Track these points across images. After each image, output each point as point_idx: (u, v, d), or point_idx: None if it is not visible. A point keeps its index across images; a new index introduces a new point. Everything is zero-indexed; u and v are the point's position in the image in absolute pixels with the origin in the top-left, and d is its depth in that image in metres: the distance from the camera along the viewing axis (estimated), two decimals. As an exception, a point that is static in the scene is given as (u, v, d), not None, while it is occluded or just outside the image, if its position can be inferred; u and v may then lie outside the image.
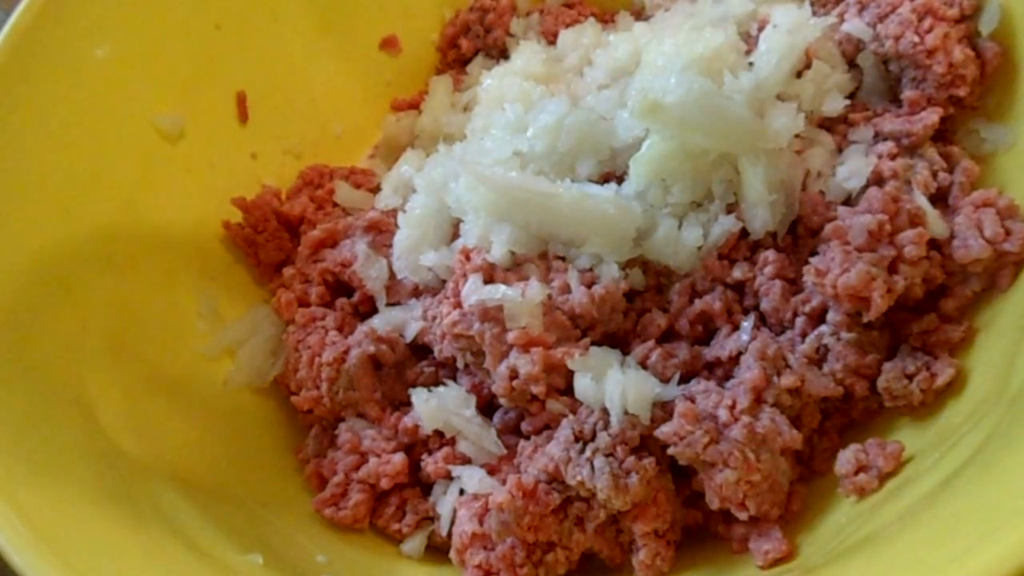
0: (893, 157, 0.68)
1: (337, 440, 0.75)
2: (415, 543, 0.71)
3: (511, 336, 0.67)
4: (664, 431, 0.63)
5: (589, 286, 0.68)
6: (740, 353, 0.67)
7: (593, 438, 0.64)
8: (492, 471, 0.69)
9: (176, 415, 0.74)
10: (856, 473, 0.62)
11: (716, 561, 0.65)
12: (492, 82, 0.83)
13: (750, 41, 0.73)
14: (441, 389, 0.72)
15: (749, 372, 0.64)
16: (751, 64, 0.71)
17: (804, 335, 0.66)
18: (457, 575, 0.67)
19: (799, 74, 0.71)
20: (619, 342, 0.70)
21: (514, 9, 0.97)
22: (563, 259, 0.70)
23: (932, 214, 0.65)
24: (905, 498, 0.58)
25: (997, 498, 0.51)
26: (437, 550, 0.71)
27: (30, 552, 0.55)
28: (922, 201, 0.65)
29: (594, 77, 0.79)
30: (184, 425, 0.74)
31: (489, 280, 0.69)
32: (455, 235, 0.75)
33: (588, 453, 0.63)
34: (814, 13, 0.73)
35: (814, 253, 0.67)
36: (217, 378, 0.79)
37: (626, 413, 0.64)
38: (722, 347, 0.67)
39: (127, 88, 0.78)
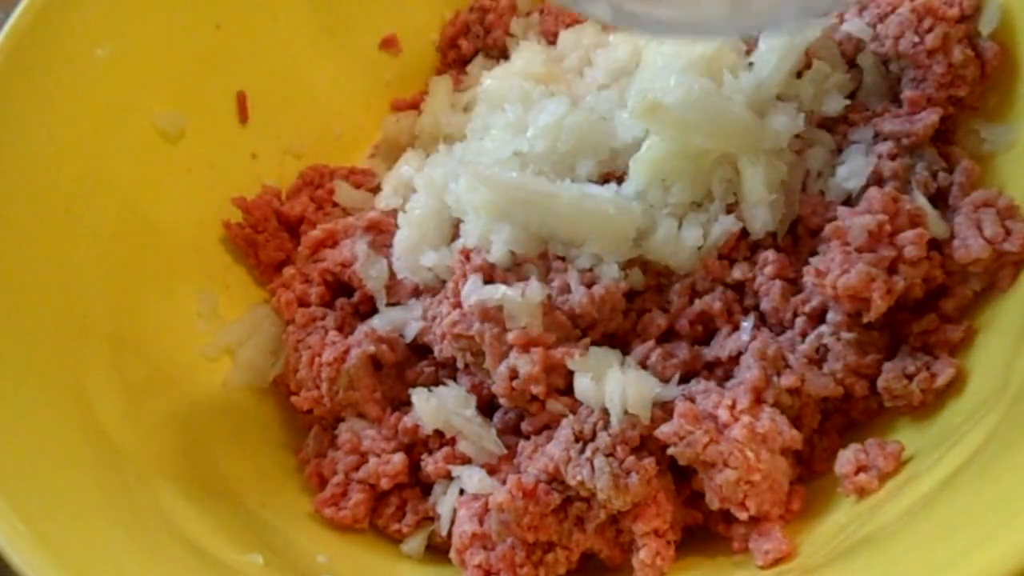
0: (893, 157, 0.68)
1: (337, 440, 0.75)
2: (415, 543, 0.72)
3: (511, 336, 0.67)
4: (664, 431, 0.63)
5: (589, 286, 0.68)
6: (740, 353, 0.67)
7: (593, 438, 0.64)
8: (492, 471, 0.69)
9: (176, 415, 0.74)
10: (856, 473, 0.62)
11: (716, 561, 0.65)
12: (492, 82, 0.83)
13: (750, 41, 0.73)
14: (441, 389, 0.72)
15: (749, 372, 0.64)
16: (751, 64, 0.71)
17: (804, 335, 0.66)
18: (457, 575, 0.67)
19: (799, 74, 0.71)
20: (619, 342, 0.70)
21: (514, 9, 0.97)
22: (563, 259, 0.70)
23: (932, 214, 0.65)
24: (905, 498, 0.58)
25: (997, 498, 0.51)
26: (437, 550, 0.71)
27: (30, 552, 0.55)
28: (922, 201, 0.65)
29: (594, 77, 0.79)
30: (184, 425, 0.74)
31: (489, 280, 0.69)
32: (455, 235, 0.75)
33: (588, 453, 0.64)
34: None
35: (814, 253, 0.67)
36: (217, 378, 0.79)
37: (626, 413, 0.64)
38: (722, 347, 0.67)
39: (127, 88, 0.78)
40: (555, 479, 0.65)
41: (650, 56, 0.72)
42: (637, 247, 0.69)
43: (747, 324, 0.68)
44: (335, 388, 0.75)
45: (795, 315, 0.67)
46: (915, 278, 0.63)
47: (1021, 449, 0.52)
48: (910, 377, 0.64)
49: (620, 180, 0.71)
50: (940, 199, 0.68)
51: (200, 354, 0.79)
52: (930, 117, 0.68)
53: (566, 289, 0.68)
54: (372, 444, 0.73)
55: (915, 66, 0.70)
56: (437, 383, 0.73)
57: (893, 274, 0.63)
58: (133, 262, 0.77)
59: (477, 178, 0.70)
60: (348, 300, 0.81)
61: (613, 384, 0.64)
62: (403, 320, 0.76)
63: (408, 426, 0.72)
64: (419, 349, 0.76)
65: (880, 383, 0.65)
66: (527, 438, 0.69)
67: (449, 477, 0.70)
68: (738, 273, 0.69)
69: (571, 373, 0.67)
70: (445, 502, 0.70)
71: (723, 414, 0.63)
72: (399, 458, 0.72)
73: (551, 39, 0.91)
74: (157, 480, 0.67)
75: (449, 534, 0.69)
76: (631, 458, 0.63)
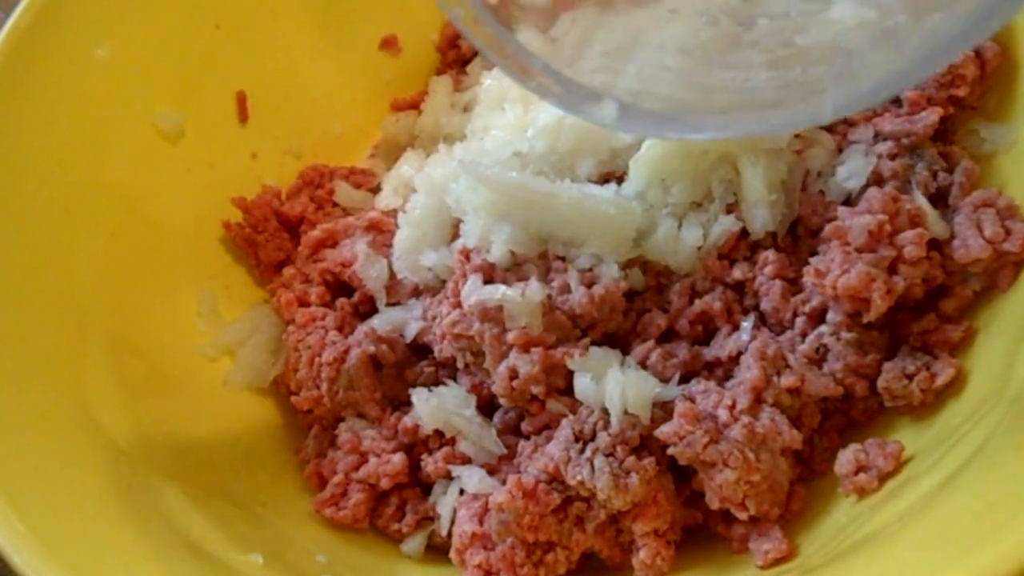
0: (893, 157, 0.68)
1: (337, 440, 0.75)
2: (415, 543, 0.72)
3: (511, 336, 0.67)
4: (664, 431, 0.63)
5: (589, 286, 0.68)
6: (740, 353, 0.66)
7: (593, 438, 0.65)
8: (492, 471, 0.69)
9: (176, 415, 0.74)
10: (856, 473, 0.62)
11: (716, 561, 0.65)
12: (492, 82, 0.83)
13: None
14: (441, 389, 0.72)
15: (749, 372, 0.64)
16: (751, 64, 0.71)
17: (804, 335, 0.66)
18: (457, 575, 0.67)
19: (799, 74, 0.71)
20: (619, 342, 0.70)
21: (514, 9, 0.97)
22: (563, 259, 0.70)
23: (932, 214, 0.65)
24: (905, 498, 0.58)
25: (997, 498, 0.51)
26: (437, 550, 0.71)
27: (30, 552, 0.55)
28: (922, 201, 0.65)
29: (594, 77, 0.79)
30: (184, 425, 0.74)
31: (489, 280, 0.69)
32: (455, 235, 0.75)
33: (588, 453, 0.64)
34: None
35: (814, 253, 0.67)
36: (217, 378, 0.79)
37: (626, 413, 0.64)
38: (722, 347, 0.67)
39: (127, 88, 0.78)
40: (555, 479, 0.65)
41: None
42: (637, 247, 0.69)
43: (747, 324, 0.68)
44: (335, 388, 0.75)
45: (795, 315, 0.67)
46: (915, 278, 0.63)
47: (1021, 449, 0.52)
48: (910, 377, 0.64)
49: (620, 180, 0.71)
50: (940, 199, 0.68)
51: (200, 354, 0.79)
52: (930, 117, 0.68)
53: (566, 289, 0.68)
54: (372, 444, 0.73)
55: (915, 66, 0.70)
56: (437, 383, 0.73)
57: (893, 274, 0.63)
58: (133, 262, 0.77)
59: (477, 178, 0.70)
60: (348, 300, 0.81)
61: (613, 384, 0.64)
62: (403, 320, 0.76)
63: (408, 426, 0.72)
64: (419, 349, 0.76)
65: (880, 383, 0.65)
66: (527, 438, 0.69)
67: (449, 477, 0.70)
68: (738, 273, 0.69)
69: (571, 373, 0.67)
70: (445, 502, 0.70)
71: (723, 414, 0.63)
72: (399, 458, 0.72)
73: (551, 39, 0.91)
74: (157, 480, 0.67)
75: (449, 534, 0.69)
76: (631, 458, 0.63)
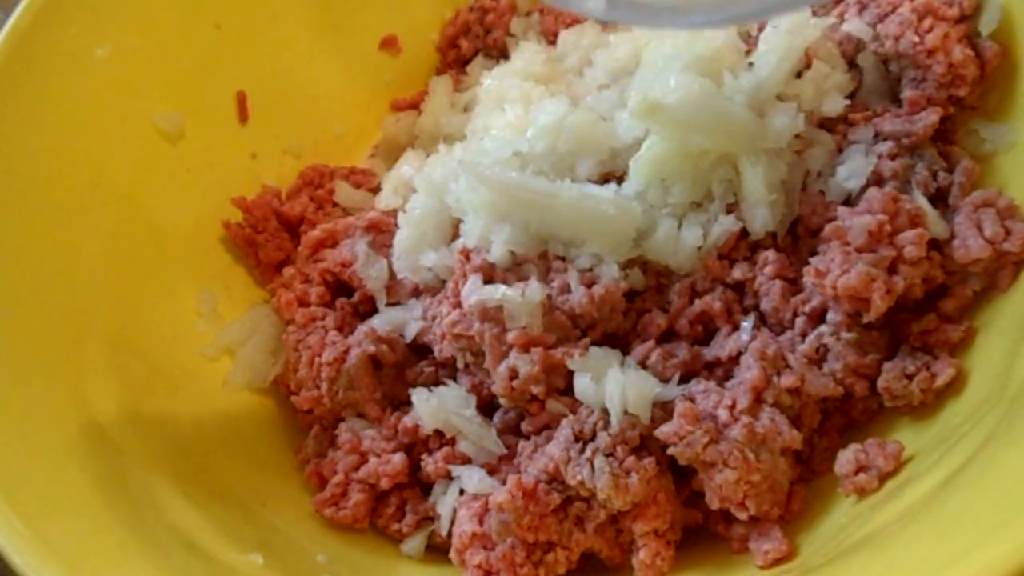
0: (893, 157, 0.68)
1: (337, 440, 0.75)
2: (415, 543, 0.72)
3: (511, 336, 0.67)
4: (664, 431, 0.63)
5: (589, 286, 0.68)
6: (740, 353, 0.67)
7: (593, 438, 0.65)
8: (492, 471, 0.69)
9: (176, 415, 0.74)
10: (856, 473, 0.62)
11: (716, 561, 0.65)
12: (492, 82, 0.83)
13: (750, 41, 0.73)
14: (441, 389, 0.72)
15: (749, 372, 0.64)
16: (751, 64, 0.71)
17: (804, 335, 0.66)
18: (457, 575, 0.67)
19: (799, 74, 0.71)
20: (619, 342, 0.70)
21: (514, 9, 0.97)
22: (563, 259, 0.70)
23: (932, 214, 0.65)
24: (905, 498, 0.58)
25: (997, 498, 0.51)
26: (437, 550, 0.71)
27: (30, 552, 0.55)
28: (922, 201, 0.65)
29: (594, 77, 0.79)
30: (184, 425, 0.74)
31: (489, 280, 0.69)
32: (455, 235, 0.75)
33: (588, 453, 0.64)
34: (814, 13, 0.73)
35: (814, 253, 0.67)
36: (217, 378, 0.79)
37: (626, 413, 0.64)
38: (722, 347, 0.67)
39: (127, 88, 0.79)
40: (555, 479, 0.65)
41: (650, 56, 0.72)
42: (637, 247, 0.69)
43: (747, 324, 0.68)
44: (335, 388, 0.75)
45: (795, 315, 0.67)
46: (915, 278, 0.63)
47: (1021, 449, 0.52)
48: (910, 377, 0.64)
49: (620, 180, 0.71)
50: (940, 199, 0.68)
51: (200, 354, 0.79)
52: (930, 117, 0.68)
53: (566, 289, 0.68)
54: (372, 444, 0.73)
55: (915, 66, 0.70)
56: (437, 383, 0.73)
57: (893, 274, 0.63)
58: (133, 262, 0.77)
59: (477, 178, 0.70)
60: (348, 300, 0.81)
61: (613, 384, 0.65)
62: (403, 320, 0.76)
63: (408, 426, 0.72)
64: (419, 349, 0.76)
65: (880, 383, 0.65)
66: (527, 438, 0.69)
67: (449, 477, 0.70)
68: (738, 273, 0.69)
69: (571, 373, 0.67)
70: (445, 502, 0.70)
71: (723, 414, 0.63)
72: (399, 458, 0.72)
73: (551, 39, 0.91)
74: (157, 480, 0.67)
75: (449, 534, 0.69)
76: (631, 458, 0.63)
